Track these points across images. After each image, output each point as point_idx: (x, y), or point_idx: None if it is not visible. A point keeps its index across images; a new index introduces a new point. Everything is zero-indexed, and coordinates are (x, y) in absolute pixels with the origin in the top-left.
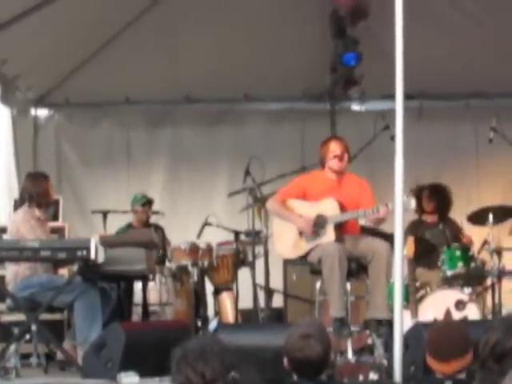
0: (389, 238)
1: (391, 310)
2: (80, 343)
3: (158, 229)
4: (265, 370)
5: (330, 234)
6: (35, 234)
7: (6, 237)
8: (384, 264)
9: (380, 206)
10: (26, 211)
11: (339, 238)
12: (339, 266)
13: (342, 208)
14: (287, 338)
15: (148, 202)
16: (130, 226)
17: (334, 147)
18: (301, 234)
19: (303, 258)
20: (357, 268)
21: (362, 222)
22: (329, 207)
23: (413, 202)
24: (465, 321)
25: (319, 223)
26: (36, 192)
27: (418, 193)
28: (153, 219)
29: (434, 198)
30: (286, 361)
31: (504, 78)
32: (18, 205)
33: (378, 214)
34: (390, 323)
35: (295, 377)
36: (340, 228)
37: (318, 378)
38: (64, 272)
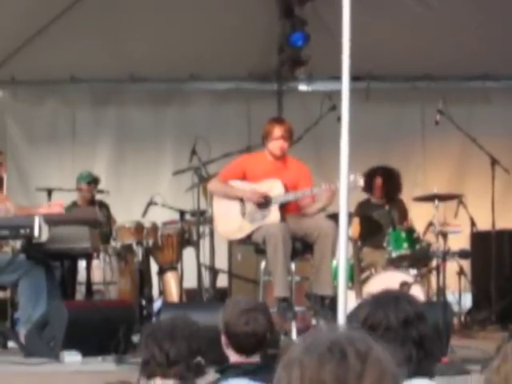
0: (334, 218)
1: (335, 289)
2: (23, 322)
3: (103, 206)
4: (209, 350)
5: (275, 215)
6: None
7: None
8: (330, 242)
9: (321, 184)
10: None
11: (283, 219)
12: (283, 246)
13: (286, 189)
14: (227, 313)
15: (94, 181)
16: (74, 205)
17: (277, 131)
18: (243, 214)
19: (247, 239)
20: (302, 248)
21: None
22: (273, 187)
23: (361, 180)
24: None
25: (263, 203)
26: None
27: (370, 174)
28: (98, 198)
29: (385, 181)
30: (224, 337)
31: (451, 61)
32: None
33: (321, 189)
34: (333, 301)
35: (232, 356)
36: (283, 208)
37: (258, 353)
38: (7, 249)
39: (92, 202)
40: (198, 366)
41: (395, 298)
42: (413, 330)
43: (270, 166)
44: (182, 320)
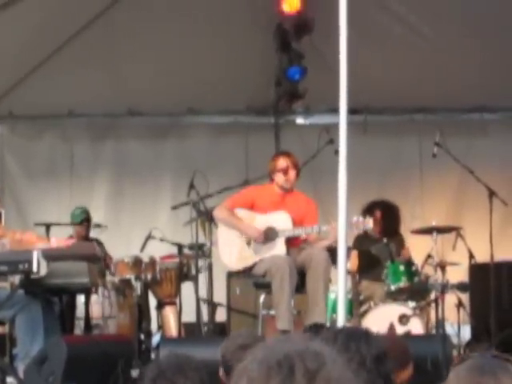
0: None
1: (334, 321)
2: (22, 357)
3: (99, 244)
4: None
5: (280, 248)
6: None
7: None
8: (321, 271)
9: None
10: None
11: (288, 252)
12: (290, 279)
13: (294, 223)
14: (225, 348)
15: (86, 219)
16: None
17: (283, 163)
18: (248, 244)
19: (247, 271)
20: (300, 282)
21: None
22: (281, 220)
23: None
24: (408, 335)
25: (268, 236)
26: None
27: (369, 209)
28: (96, 232)
29: (384, 216)
30: (221, 372)
31: (448, 93)
32: None
33: (331, 227)
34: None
35: None
36: (289, 242)
37: None
38: (5, 284)
39: (87, 238)
40: None
41: (365, 334)
42: (382, 367)
43: (278, 198)
44: (182, 355)
